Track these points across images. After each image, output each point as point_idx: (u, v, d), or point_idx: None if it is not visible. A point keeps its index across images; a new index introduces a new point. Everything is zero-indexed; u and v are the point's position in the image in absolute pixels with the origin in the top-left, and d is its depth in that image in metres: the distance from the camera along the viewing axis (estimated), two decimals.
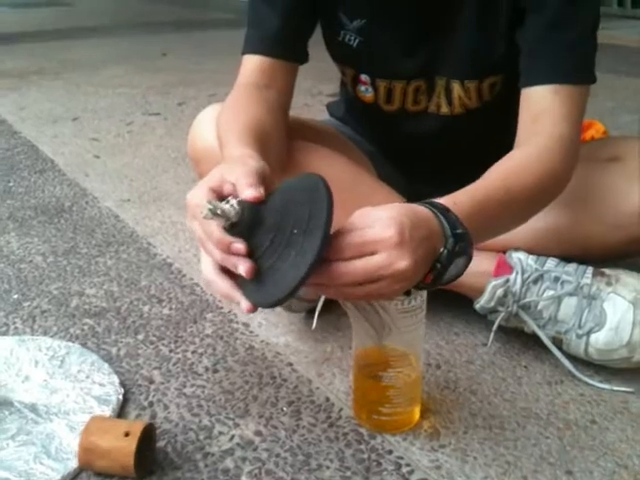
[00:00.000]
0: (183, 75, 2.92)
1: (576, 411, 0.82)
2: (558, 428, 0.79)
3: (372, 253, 0.62)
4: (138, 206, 1.47)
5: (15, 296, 1.08)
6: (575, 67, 0.84)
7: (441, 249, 0.66)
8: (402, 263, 0.62)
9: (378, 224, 0.63)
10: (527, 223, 0.92)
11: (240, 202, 0.62)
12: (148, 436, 0.72)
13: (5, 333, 0.98)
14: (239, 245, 0.63)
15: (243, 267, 0.63)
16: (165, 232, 1.33)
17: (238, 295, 0.66)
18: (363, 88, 1.02)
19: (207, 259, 0.68)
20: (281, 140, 0.89)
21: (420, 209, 0.67)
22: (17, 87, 2.68)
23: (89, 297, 1.07)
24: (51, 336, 0.96)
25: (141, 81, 2.81)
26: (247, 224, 0.63)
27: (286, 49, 0.95)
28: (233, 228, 0.62)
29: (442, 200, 0.69)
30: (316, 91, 2.43)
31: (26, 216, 1.41)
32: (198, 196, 0.66)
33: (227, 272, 0.67)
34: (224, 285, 0.67)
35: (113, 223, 1.37)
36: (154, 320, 1.01)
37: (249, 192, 0.64)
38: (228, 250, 0.63)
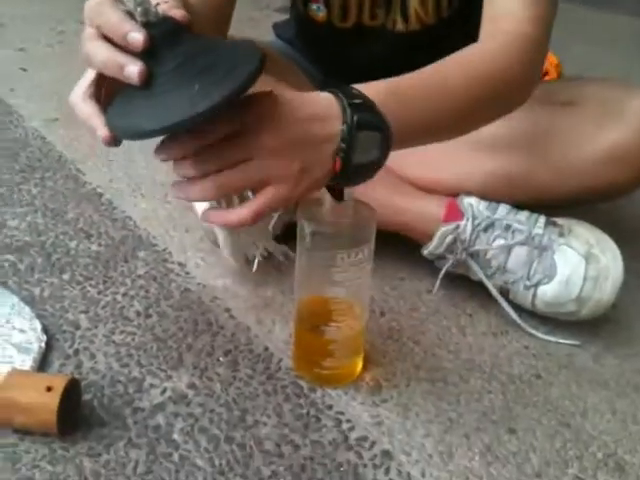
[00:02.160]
0: None
1: (520, 365, 0.81)
2: (502, 383, 0.78)
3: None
4: (67, 126, 1.36)
5: None
6: None
7: (339, 126, 0.57)
8: (267, 141, 0.55)
9: (254, 135, 0.56)
10: (478, 166, 0.88)
11: (165, 13, 0.56)
12: (72, 391, 0.66)
13: None
14: (138, 35, 0.53)
15: (133, 67, 0.53)
16: (96, 157, 1.23)
17: (99, 122, 0.56)
18: (315, 7, 0.94)
19: (83, 80, 0.59)
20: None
21: (312, 93, 0.59)
22: None
23: (11, 230, 0.99)
24: None
25: None
26: (162, 34, 0.54)
27: None
28: (145, 28, 0.54)
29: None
30: (263, 4, 2.30)
31: None
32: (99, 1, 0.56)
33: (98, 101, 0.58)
34: (87, 109, 0.57)
35: (39, 145, 1.27)
36: (81, 257, 0.94)
37: (179, 12, 0.56)
38: (124, 41, 0.54)
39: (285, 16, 1.14)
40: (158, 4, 0.57)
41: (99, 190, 1.12)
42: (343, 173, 0.59)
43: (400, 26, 0.91)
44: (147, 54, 0.54)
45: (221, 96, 0.51)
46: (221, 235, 0.88)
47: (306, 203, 0.69)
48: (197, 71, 0.53)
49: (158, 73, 0.54)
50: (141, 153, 1.26)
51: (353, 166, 0.59)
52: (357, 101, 0.58)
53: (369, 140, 0.59)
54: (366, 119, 0.58)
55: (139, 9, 0.54)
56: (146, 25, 0.54)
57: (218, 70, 0.54)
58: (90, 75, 0.59)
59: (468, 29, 0.82)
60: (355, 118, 0.57)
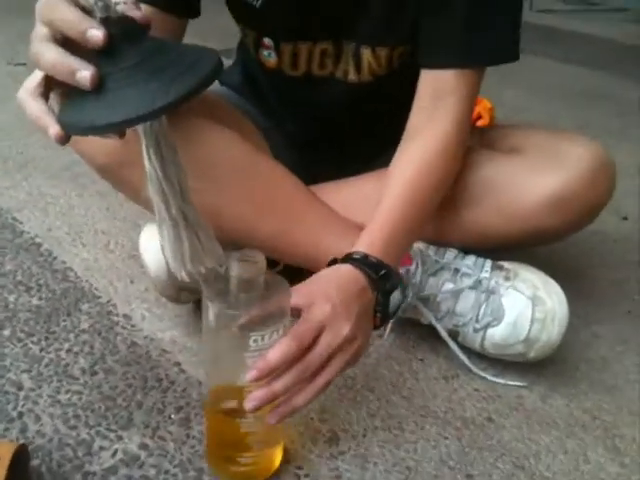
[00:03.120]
0: None
1: (472, 408, 0.82)
2: (456, 427, 0.78)
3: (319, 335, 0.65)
4: (1, 174, 1.32)
5: None
6: (478, 51, 0.82)
7: (375, 294, 0.72)
8: (345, 328, 0.66)
9: (313, 309, 0.66)
10: None
11: (124, 13, 0.53)
12: (20, 459, 0.63)
13: None
14: (97, 32, 0.51)
15: (86, 72, 0.51)
16: (33, 206, 1.20)
17: (50, 119, 0.54)
18: (266, 52, 0.94)
19: (32, 79, 0.57)
20: None
21: (343, 269, 0.73)
22: None
23: None
24: None
25: (7, 25, 2.55)
26: (122, 32, 0.52)
27: (173, 1, 0.83)
28: (104, 25, 0.52)
29: (359, 245, 0.76)
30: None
31: None
32: None
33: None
34: (37, 106, 0.56)
35: None
36: (22, 312, 0.90)
37: (138, 12, 0.54)
38: (82, 37, 0.51)
39: (224, 59, 1.14)
40: (117, 4, 0.55)
41: (37, 240, 1.09)
42: (381, 325, 0.76)
43: (352, 77, 0.92)
44: (103, 52, 0.52)
45: (178, 93, 0.51)
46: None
47: (210, 278, 0.61)
48: (154, 69, 0.52)
49: (113, 71, 0.52)
50: (80, 198, 1.23)
51: (388, 316, 0.76)
52: (382, 272, 0.73)
53: (396, 296, 0.76)
54: (392, 284, 0.74)
55: (100, 4, 0.52)
56: (105, 22, 0.52)
57: (176, 69, 0.53)
58: (38, 74, 0.57)
59: (415, 76, 0.85)
60: (387, 286, 0.73)
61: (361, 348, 0.69)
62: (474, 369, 0.87)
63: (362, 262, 0.73)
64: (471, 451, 0.75)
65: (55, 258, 1.04)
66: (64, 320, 0.89)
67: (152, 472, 0.68)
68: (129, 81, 0.52)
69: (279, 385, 0.62)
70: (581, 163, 0.86)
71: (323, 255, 0.80)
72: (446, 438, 0.77)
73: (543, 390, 0.86)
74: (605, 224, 1.23)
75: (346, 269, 0.73)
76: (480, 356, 0.89)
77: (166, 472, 0.68)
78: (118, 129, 0.53)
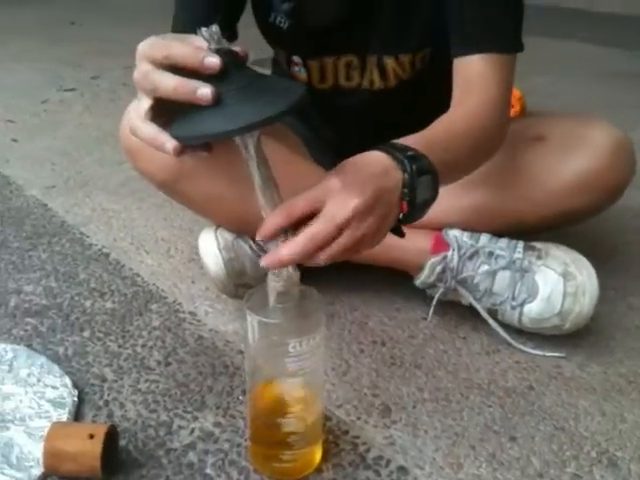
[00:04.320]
0: (95, 45, 2.83)
1: (514, 378, 0.88)
2: (499, 397, 0.85)
3: (321, 208, 0.63)
4: (65, 193, 1.44)
5: None
6: (500, 37, 0.87)
7: (401, 175, 0.67)
8: (352, 202, 0.62)
9: (319, 184, 0.65)
10: (459, 202, 0.97)
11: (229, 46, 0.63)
12: (112, 437, 0.73)
13: None
14: (214, 59, 0.60)
15: (206, 89, 0.60)
16: (97, 220, 1.31)
17: (164, 136, 0.62)
18: (297, 69, 1.03)
19: (138, 109, 0.65)
20: None
21: (364, 154, 0.69)
22: None
23: (28, 295, 1.05)
24: None
25: (51, 53, 2.70)
26: (231, 59, 0.62)
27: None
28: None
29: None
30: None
31: None
32: (156, 40, 0.64)
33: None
34: (150, 129, 0.64)
35: (41, 213, 1.34)
36: (98, 315, 1.00)
37: (239, 47, 0.64)
38: (201, 65, 0.61)
39: (259, 68, 1.23)
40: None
41: (105, 250, 1.19)
42: (409, 213, 0.68)
43: (378, 84, 1.00)
44: (215, 77, 0.61)
45: (288, 104, 0.60)
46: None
47: (250, 292, 0.69)
48: (260, 89, 0.62)
49: (227, 90, 0.61)
50: (139, 211, 1.34)
51: (417, 206, 0.68)
52: (410, 153, 0.68)
53: (426, 182, 0.69)
54: (421, 166, 0.68)
55: (215, 37, 0.62)
56: (217, 52, 0.62)
57: (276, 90, 0.63)
58: (145, 104, 0.65)
59: (437, 79, 0.91)
60: (414, 167, 0.67)
61: (379, 230, 0.66)
62: (514, 343, 0.93)
63: (389, 145, 0.70)
64: (514, 417, 0.82)
65: (123, 266, 1.14)
66: (137, 320, 0.99)
67: (226, 446, 0.77)
68: (241, 98, 0.61)
69: (286, 248, 0.63)
70: (601, 146, 0.92)
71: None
72: (490, 406, 0.83)
73: (580, 359, 0.92)
74: (636, 200, 1.28)
75: (369, 153, 0.69)
76: (519, 331, 0.95)
77: (238, 445, 0.77)
78: (239, 134, 0.62)
